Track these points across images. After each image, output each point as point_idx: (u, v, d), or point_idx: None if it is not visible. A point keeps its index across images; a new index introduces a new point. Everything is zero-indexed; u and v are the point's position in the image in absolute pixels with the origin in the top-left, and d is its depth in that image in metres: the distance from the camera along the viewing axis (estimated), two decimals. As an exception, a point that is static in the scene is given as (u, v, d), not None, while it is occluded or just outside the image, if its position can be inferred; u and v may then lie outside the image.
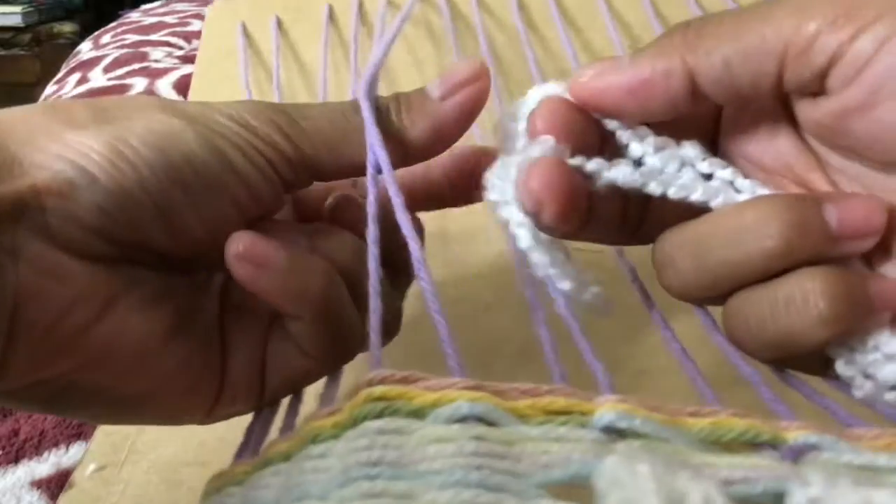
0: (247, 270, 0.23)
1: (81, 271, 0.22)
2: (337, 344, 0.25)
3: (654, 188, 0.24)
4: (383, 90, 0.26)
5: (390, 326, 0.27)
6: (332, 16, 0.55)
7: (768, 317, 0.21)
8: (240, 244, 0.23)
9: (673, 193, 0.23)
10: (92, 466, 0.33)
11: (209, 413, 0.26)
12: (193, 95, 0.55)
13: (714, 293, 0.23)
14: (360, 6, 0.54)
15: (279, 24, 0.56)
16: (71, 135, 0.22)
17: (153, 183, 0.22)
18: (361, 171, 0.25)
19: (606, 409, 0.16)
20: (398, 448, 0.15)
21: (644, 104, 0.23)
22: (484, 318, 0.37)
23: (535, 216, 0.22)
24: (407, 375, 0.17)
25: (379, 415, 0.16)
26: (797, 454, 0.15)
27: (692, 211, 0.23)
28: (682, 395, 0.19)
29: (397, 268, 0.27)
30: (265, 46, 0.55)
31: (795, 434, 0.16)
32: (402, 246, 0.22)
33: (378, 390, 0.16)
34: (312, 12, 0.55)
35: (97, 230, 0.22)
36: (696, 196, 0.23)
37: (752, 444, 0.16)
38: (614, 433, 0.16)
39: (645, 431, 0.16)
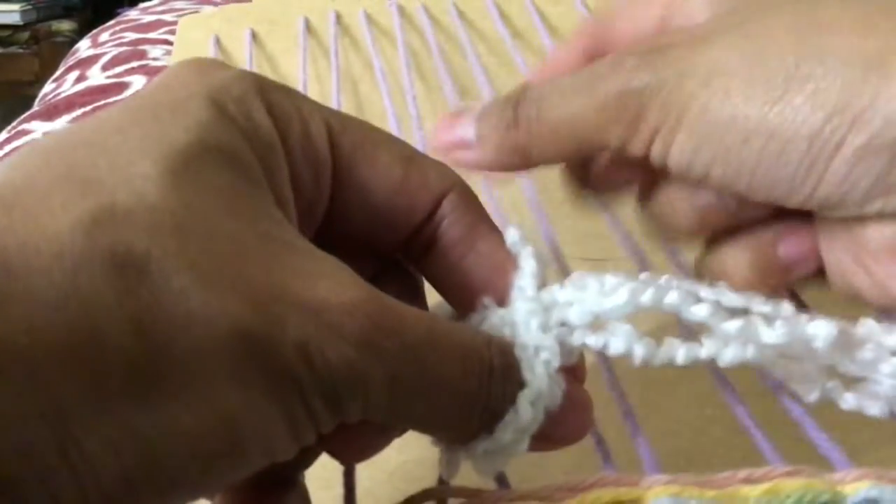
0: None
1: None
2: None
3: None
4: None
5: None
6: (308, 28, 0.53)
7: None
8: None
9: None
10: None
11: None
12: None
13: None
14: (339, 19, 0.53)
15: (254, 36, 0.54)
16: None
17: None
18: None
19: (657, 494, 0.15)
20: None
21: None
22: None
23: None
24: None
25: None
26: (859, 512, 0.15)
27: None
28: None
29: None
30: (240, 59, 0.53)
31: (854, 487, 0.15)
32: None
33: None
34: (289, 25, 0.54)
35: None
36: None
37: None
38: None
39: None
